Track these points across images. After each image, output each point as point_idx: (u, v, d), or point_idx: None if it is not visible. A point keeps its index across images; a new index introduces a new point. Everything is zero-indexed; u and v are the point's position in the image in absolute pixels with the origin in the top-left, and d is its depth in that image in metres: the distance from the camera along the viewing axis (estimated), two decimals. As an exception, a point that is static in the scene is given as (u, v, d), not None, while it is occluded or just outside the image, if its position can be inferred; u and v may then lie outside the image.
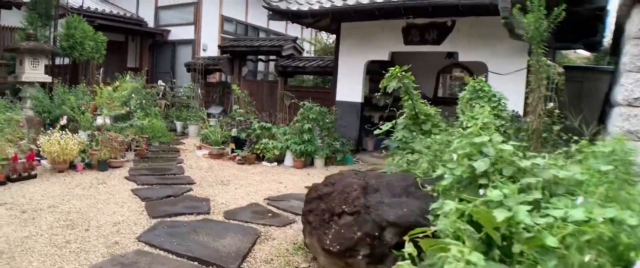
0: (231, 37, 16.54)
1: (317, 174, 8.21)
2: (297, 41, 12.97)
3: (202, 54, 15.90)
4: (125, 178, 7.02)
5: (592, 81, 10.35)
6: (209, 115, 13.20)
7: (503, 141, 3.30)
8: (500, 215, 2.35)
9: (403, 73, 6.27)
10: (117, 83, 10.69)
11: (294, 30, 20.65)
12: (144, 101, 11.48)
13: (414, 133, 6.56)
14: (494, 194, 2.57)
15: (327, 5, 9.28)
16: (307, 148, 8.64)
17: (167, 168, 7.86)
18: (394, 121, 6.65)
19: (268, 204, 6.01)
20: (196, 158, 9.06)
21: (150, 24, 16.98)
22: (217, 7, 16.71)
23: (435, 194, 3.50)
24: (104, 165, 7.45)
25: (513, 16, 6.29)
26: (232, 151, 9.33)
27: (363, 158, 10.08)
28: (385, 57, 9.95)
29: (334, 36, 15.20)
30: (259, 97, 13.20)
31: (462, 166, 3.19)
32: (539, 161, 3.29)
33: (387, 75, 6.30)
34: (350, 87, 10.41)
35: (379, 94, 6.67)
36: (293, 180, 7.58)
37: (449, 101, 12.54)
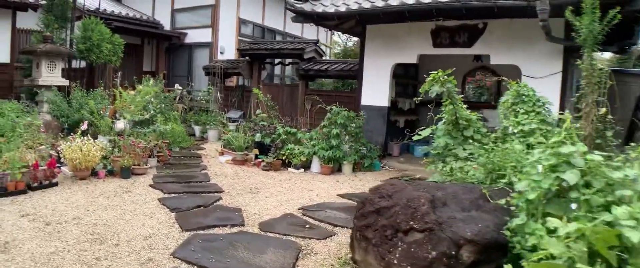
0: (248, 40, 16.26)
1: (347, 181, 7.87)
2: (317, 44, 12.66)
3: (219, 57, 15.63)
4: (150, 186, 6.70)
5: (622, 84, 9.94)
6: (228, 119, 12.92)
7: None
8: (635, 234, 2.00)
9: (445, 77, 5.91)
10: (140, 87, 10.40)
11: (310, 33, 20.38)
12: (163, 105, 11.19)
13: (456, 139, 6.20)
14: (619, 211, 2.21)
15: (354, 7, 8.95)
16: (335, 153, 8.30)
17: (192, 175, 7.54)
18: (433, 127, 6.29)
19: (303, 214, 5.67)
20: (220, 165, 8.75)
21: (167, 27, 16.75)
22: (235, 10, 16.45)
23: (512, 208, 3.14)
24: (126, 172, 7.14)
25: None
26: (256, 157, 9.01)
27: (390, 163, 9.73)
28: (412, 60, 9.61)
29: (354, 38, 14.99)
30: (279, 101, 12.88)
31: (549, 179, 2.82)
32: (629, 172, 2.93)
33: (428, 79, 5.96)
34: (376, 91, 10.06)
35: (419, 97, 6.27)
36: (323, 188, 7.24)
37: (474, 104, 12.17)
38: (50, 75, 10.88)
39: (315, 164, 8.47)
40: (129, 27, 14.60)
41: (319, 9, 9.40)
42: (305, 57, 11.96)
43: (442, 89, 5.96)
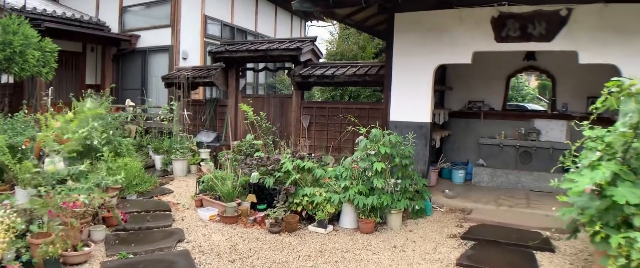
0: (217, 42, 13.23)
1: (406, 243, 5.15)
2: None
3: (182, 63, 12.54)
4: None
5: None
6: (199, 145, 9.90)
7: None
8: None
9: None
10: (80, 107, 7.34)
11: (282, 34, 17.55)
12: (111, 132, 8.11)
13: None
14: None
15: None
16: (380, 200, 5.51)
17: (167, 260, 4.55)
18: (594, 176, 3.62)
19: None
20: (202, 227, 5.77)
21: (114, 29, 13.49)
22: (199, 6, 13.38)
23: None
24: (54, 266, 4.12)
25: None
26: (254, 207, 6.13)
27: (436, 199, 7.03)
28: (465, 59, 6.92)
29: (366, 33, 12.16)
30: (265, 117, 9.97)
31: None
32: None
33: (611, 90, 3.26)
34: (411, 103, 7.32)
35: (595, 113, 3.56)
36: (385, 266, 4.45)
37: (521, 113, 9.65)
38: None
39: (348, 217, 5.68)
40: (66, 29, 11.28)
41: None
42: (302, 59, 9.09)
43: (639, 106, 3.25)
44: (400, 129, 7.27)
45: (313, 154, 8.30)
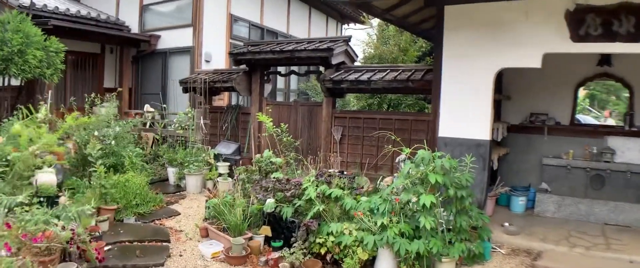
0: (243, 43, 12.16)
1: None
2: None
3: (205, 66, 11.49)
4: None
5: None
6: (217, 157, 8.78)
7: None
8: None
9: None
10: (75, 114, 6.35)
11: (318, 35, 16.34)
12: (111, 142, 7.07)
13: None
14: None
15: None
16: (429, 245, 4.21)
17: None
18: None
19: None
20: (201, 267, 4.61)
21: (134, 29, 12.58)
22: (224, 4, 12.34)
23: None
24: None
25: None
26: (268, 242, 4.93)
27: (494, 235, 5.66)
28: (534, 63, 5.54)
29: (407, 33, 10.84)
30: (291, 127, 8.80)
31: None
32: None
33: None
34: (465, 115, 5.99)
35: None
36: None
37: (587, 130, 8.14)
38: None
39: (385, 265, 4.38)
40: (76, 27, 10.38)
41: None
42: (333, 62, 7.85)
43: None
44: (452, 147, 5.95)
45: (345, 172, 7.07)
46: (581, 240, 5.76)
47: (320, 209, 4.71)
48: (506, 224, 6.12)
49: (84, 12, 11.42)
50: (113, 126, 7.99)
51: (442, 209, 4.64)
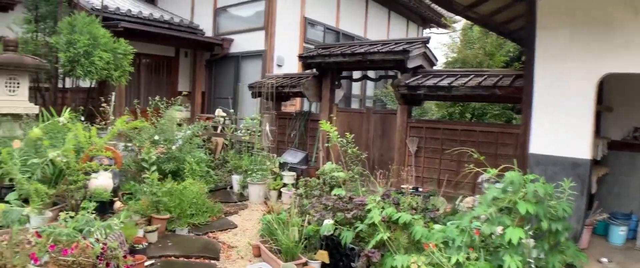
0: (314, 46, 11.65)
1: None
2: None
3: (276, 70, 11.10)
4: None
5: None
6: (282, 166, 8.27)
7: None
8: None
9: None
10: (125, 118, 6.11)
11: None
12: (173, 147, 6.77)
13: None
14: None
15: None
16: (517, 293, 3.36)
17: None
18: None
19: None
20: (245, 296, 4.04)
21: (209, 33, 12.48)
22: (298, 6, 11.91)
23: None
24: None
25: None
26: (325, 269, 4.29)
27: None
28: (649, 66, 4.50)
29: (494, 34, 9.78)
30: (361, 137, 8.11)
31: None
32: None
33: None
34: (561, 128, 5.02)
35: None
36: None
37: None
38: (11, 98, 6.93)
39: (462, 309, 3.57)
40: (152, 31, 10.35)
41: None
42: (409, 66, 7.08)
43: None
44: (545, 166, 5.00)
45: (420, 189, 6.28)
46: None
47: (385, 237, 3.97)
48: (604, 260, 5.06)
49: (157, 15, 11.43)
50: (184, 129, 7.76)
51: (532, 243, 3.74)
